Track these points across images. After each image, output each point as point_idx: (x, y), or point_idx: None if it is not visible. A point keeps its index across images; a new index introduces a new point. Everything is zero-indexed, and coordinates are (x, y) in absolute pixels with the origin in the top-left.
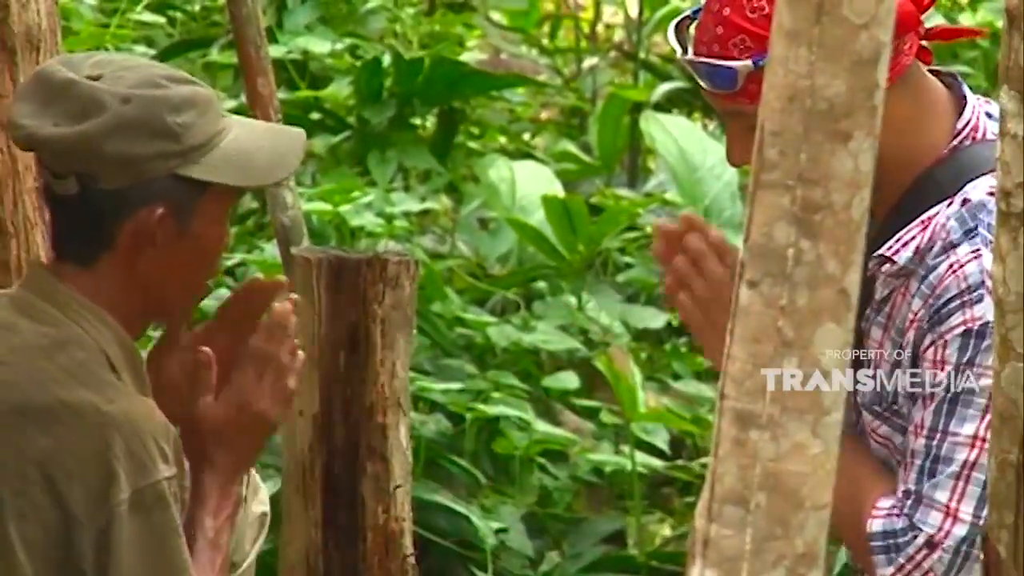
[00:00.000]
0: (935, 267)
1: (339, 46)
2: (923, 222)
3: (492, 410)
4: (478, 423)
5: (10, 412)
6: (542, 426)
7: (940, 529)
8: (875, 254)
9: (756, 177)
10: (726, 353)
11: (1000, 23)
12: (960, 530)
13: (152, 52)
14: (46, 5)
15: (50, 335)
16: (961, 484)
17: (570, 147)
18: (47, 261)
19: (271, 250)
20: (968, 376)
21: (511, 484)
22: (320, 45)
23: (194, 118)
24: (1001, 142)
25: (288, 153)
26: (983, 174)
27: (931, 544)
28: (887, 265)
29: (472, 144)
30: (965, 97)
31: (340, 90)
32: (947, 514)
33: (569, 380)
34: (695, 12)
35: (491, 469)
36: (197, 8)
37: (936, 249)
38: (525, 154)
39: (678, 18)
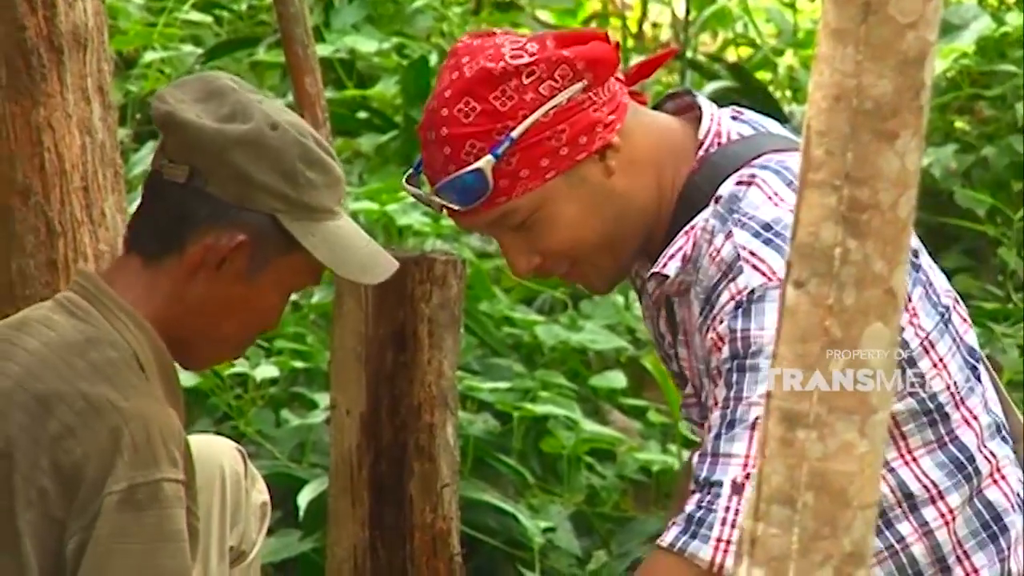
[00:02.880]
0: (700, 267)
1: (386, 45)
2: (686, 232)
3: (540, 409)
4: (526, 422)
5: (32, 400)
6: (590, 425)
7: (737, 474)
8: (648, 274)
9: (803, 176)
10: (773, 352)
11: None
12: None
13: (199, 51)
14: (93, 4)
15: (85, 332)
16: (755, 433)
17: None
18: (112, 260)
19: None
20: (748, 341)
21: (559, 483)
22: (367, 44)
23: (319, 182)
24: None
25: (379, 267)
26: (735, 171)
27: (737, 487)
28: (661, 282)
29: None
30: (700, 108)
31: (387, 89)
32: (746, 460)
33: (616, 379)
34: (417, 166)
35: (539, 468)
36: (244, 7)
37: (703, 252)
38: None
39: (405, 175)
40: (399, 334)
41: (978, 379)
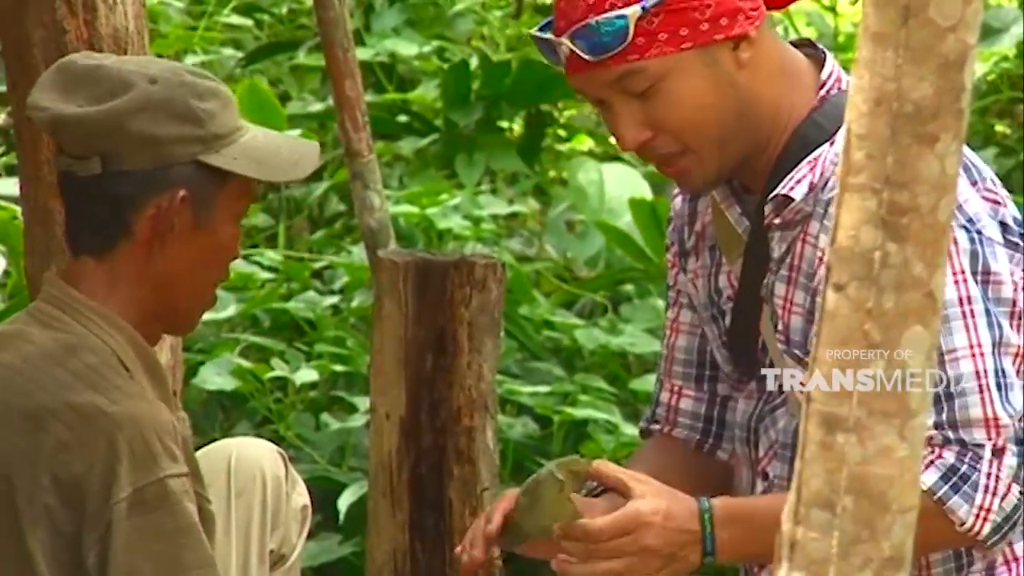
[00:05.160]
0: (832, 200)
1: (426, 49)
2: (810, 162)
3: (579, 413)
4: (566, 426)
5: (22, 417)
6: (629, 429)
7: (992, 438)
8: (770, 197)
9: (843, 180)
10: (812, 356)
11: None
12: (1008, 431)
13: (239, 55)
14: (134, 7)
15: (62, 341)
16: (986, 392)
17: None
18: (65, 264)
19: (358, 253)
20: None
21: None
22: (407, 48)
23: (216, 108)
24: None
25: (305, 156)
26: None
27: (998, 452)
28: (780, 207)
29: (560, 147)
30: (823, 52)
31: (427, 93)
32: (988, 424)
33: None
34: (543, 26)
35: None
36: (284, 11)
37: (830, 184)
38: (613, 157)
39: (538, 27)
40: (439, 338)
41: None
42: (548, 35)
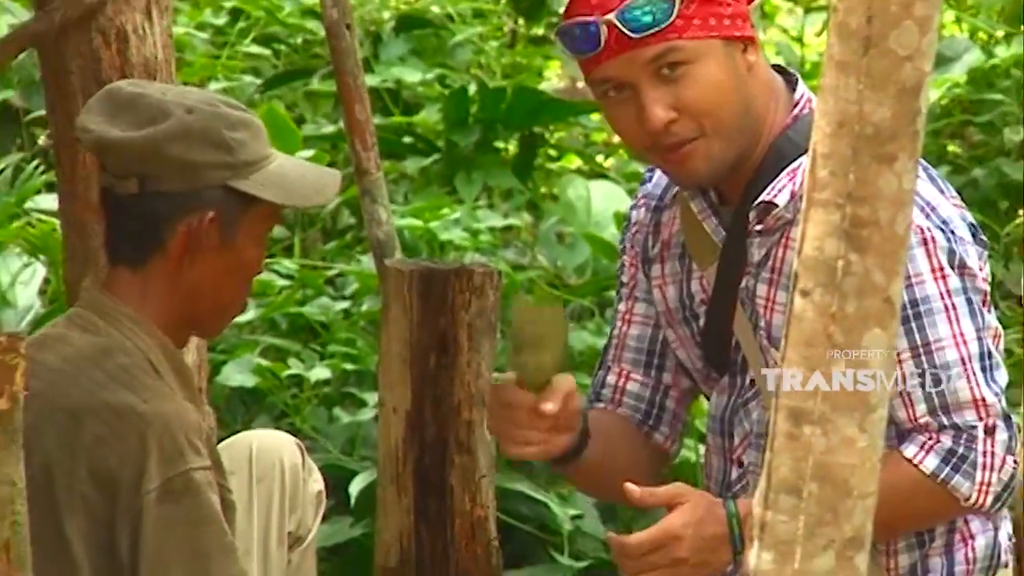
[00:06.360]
0: None
1: (429, 76)
2: (790, 173)
3: None
4: None
5: (64, 414)
6: None
7: (983, 417)
8: (754, 203)
9: (809, 195)
10: (781, 356)
11: None
12: (995, 408)
13: (258, 81)
14: (162, 38)
15: (98, 344)
16: (971, 376)
17: (640, 168)
18: (102, 273)
19: (367, 262)
20: (912, 289)
21: None
22: (412, 75)
23: (247, 138)
24: None
25: (327, 184)
26: None
27: (990, 430)
28: (763, 213)
29: (551, 165)
30: (795, 76)
31: (430, 116)
32: (977, 405)
33: None
34: (559, 31)
35: None
36: (300, 41)
37: None
38: (599, 175)
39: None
40: (441, 339)
41: None
42: (588, 18)
